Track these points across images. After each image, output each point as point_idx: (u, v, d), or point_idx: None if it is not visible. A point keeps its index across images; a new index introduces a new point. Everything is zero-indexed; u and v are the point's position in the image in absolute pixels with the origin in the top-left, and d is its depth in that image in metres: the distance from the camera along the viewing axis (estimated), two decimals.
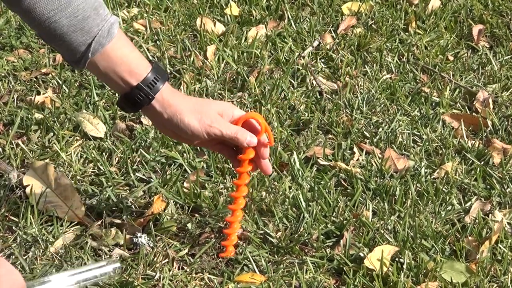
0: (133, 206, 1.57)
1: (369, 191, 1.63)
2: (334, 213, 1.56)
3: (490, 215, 1.57)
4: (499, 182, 1.67)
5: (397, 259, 1.45)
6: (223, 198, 1.58)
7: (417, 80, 2.06)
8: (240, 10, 2.36)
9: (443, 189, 1.63)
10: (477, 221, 1.54)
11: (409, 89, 2.01)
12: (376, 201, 1.61)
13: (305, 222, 1.52)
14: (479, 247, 1.47)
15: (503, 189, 1.65)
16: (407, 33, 2.28)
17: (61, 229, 1.49)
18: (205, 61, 2.07)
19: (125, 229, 1.49)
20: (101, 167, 1.66)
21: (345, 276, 1.42)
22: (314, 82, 2.02)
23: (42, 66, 2.05)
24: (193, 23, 2.28)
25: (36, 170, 1.58)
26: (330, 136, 1.82)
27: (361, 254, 1.45)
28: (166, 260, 1.44)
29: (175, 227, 1.51)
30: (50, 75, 2.01)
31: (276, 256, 1.46)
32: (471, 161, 1.74)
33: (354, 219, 1.54)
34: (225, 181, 1.64)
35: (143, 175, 1.65)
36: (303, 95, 1.97)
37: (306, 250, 1.48)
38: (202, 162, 1.69)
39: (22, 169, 1.66)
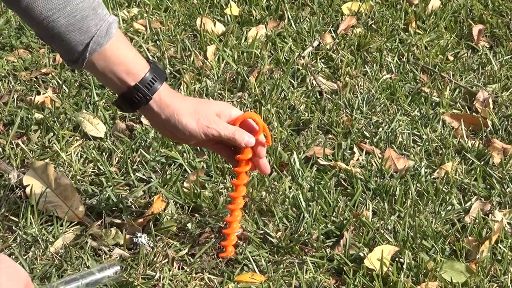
0: (133, 206, 1.57)
1: (369, 191, 1.63)
2: (334, 213, 1.56)
3: (490, 215, 1.57)
4: (499, 182, 1.67)
5: (397, 259, 1.45)
6: (223, 198, 1.58)
7: (417, 80, 2.06)
8: (240, 10, 2.36)
9: (443, 189, 1.63)
10: (477, 221, 1.54)
11: (409, 89, 2.01)
12: (376, 201, 1.61)
13: (305, 222, 1.52)
14: (479, 247, 1.47)
15: (503, 189, 1.65)
16: (407, 33, 2.28)
17: (61, 229, 1.49)
18: (205, 61, 2.07)
19: (125, 229, 1.49)
20: (101, 167, 1.66)
21: (345, 276, 1.42)
22: (314, 82, 2.02)
23: (42, 66, 2.05)
24: (193, 23, 2.28)
25: (36, 170, 1.58)
26: (330, 136, 1.82)
27: (361, 254, 1.45)
28: (166, 260, 1.44)
29: (175, 227, 1.51)
30: (50, 75, 2.01)
31: (276, 256, 1.46)
32: (471, 161, 1.74)
33: (354, 219, 1.54)
34: (225, 181, 1.64)
35: (143, 175, 1.65)
36: (303, 95, 1.97)
37: (306, 250, 1.48)
38: (202, 162, 1.69)
39: (22, 169, 1.66)
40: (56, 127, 1.78)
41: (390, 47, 2.20)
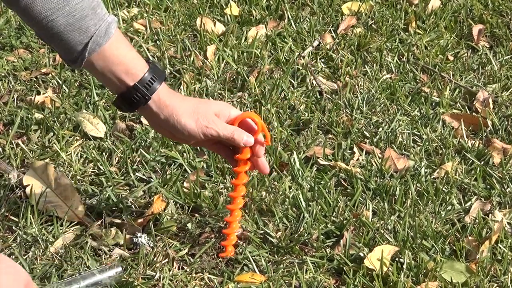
0: (133, 206, 1.57)
1: (369, 191, 1.63)
2: (334, 213, 1.56)
3: (490, 215, 1.57)
4: (499, 182, 1.67)
5: (397, 259, 1.45)
6: (223, 198, 1.58)
7: (417, 80, 2.06)
8: (240, 10, 2.36)
9: (443, 189, 1.63)
10: (477, 221, 1.54)
11: (409, 89, 2.01)
12: (376, 201, 1.61)
13: (305, 222, 1.52)
14: (479, 247, 1.47)
15: (503, 189, 1.65)
16: (407, 33, 2.28)
17: (61, 229, 1.49)
18: (205, 61, 2.07)
19: (125, 229, 1.49)
20: (101, 167, 1.66)
21: (345, 276, 1.42)
22: (314, 82, 2.02)
23: (42, 66, 2.05)
24: (193, 23, 2.28)
25: (36, 170, 1.58)
26: (330, 136, 1.82)
27: (361, 254, 1.45)
28: (166, 260, 1.44)
29: (175, 227, 1.51)
30: (50, 75, 2.01)
31: (276, 256, 1.46)
32: (471, 161, 1.74)
33: (354, 219, 1.54)
34: (225, 181, 1.64)
35: (143, 175, 1.65)
36: (303, 95, 1.97)
37: (306, 250, 1.48)
38: (202, 162, 1.69)
39: (22, 169, 1.66)
40: (56, 127, 1.78)
41: (390, 47, 2.20)
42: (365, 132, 1.83)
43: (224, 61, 2.08)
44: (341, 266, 1.44)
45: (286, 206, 1.57)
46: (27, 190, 1.55)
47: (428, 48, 2.21)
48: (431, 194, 1.61)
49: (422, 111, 1.91)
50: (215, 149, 1.38)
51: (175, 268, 1.43)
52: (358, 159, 1.74)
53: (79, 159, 1.70)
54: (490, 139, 1.81)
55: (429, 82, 2.04)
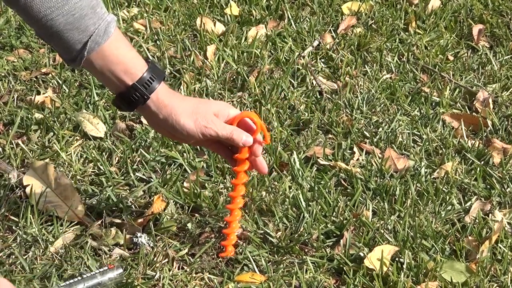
0: (133, 206, 1.57)
1: (369, 191, 1.63)
2: (334, 213, 1.56)
3: (490, 215, 1.57)
4: (499, 182, 1.67)
5: (397, 259, 1.45)
6: (223, 198, 1.58)
7: (417, 80, 2.06)
8: (240, 10, 2.36)
9: (443, 189, 1.63)
10: (477, 221, 1.54)
11: (409, 89, 2.01)
12: (376, 201, 1.61)
13: (305, 222, 1.52)
14: (479, 247, 1.47)
15: (503, 189, 1.65)
16: (407, 33, 2.28)
17: (61, 229, 1.49)
18: (205, 61, 2.07)
19: (125, 229, 1.49)
20: (101, 167, 1.66)
21: (345, 276, 1.42)
22: (314, 82, 2.02)
23: (42, 66, 2.05)
24: (193, 23, 2.28)
25: (36, 170, 1.58)
26: (330, 136, 1.82)
27: (361, 254, 1.45)
28: (166, 260, 1.44)
29: (175, 227, 1.51)
30: (50, 75, 2.01)
31: (276, 256, 1.46)
32: (471, 161, 1.74)
33: (354, 219, 1.53)
34: (225, 181, 1.64)
35: (143, 175, 1.65)
36: (303, 95, 1.97)
37: (306, 250, 1.48)
38: (202, 162, 1.69)
39: (22, 169, 1.66)
40: (56, 127, 1.78)
41: (390, 47, 2.20)
42: (365, 132, 1.83)
43: (224, 61, 2.08)
44: (341, 266, 1.44)
45: (286, 206, 1.57)
46: (27, 190, 1.55)
47: (428, 48, 2.21)
48: (431, 194, 1.61)
49: (422, 111, 1.91)
50: (214, 148, 1.38)
51: (175, 268, 1.43)
52: (358, 159, 1.74)
53: (79, 159, 1.70)
54: (490, 139, 1.81)
55: (429, 82, 2.04)
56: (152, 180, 1.63)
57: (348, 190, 1.64)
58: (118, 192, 1.60)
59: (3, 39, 2.16)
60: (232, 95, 1.96)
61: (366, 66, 2.11)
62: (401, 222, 1.53)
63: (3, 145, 1.73)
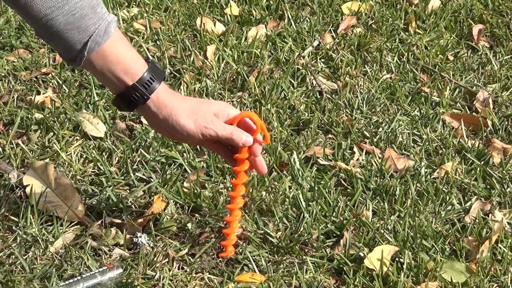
0: (133, 206, 1.57)
1: (369, 191, 1.63)
2: (334, 213, 1.56)
3: (490, 215, 1.57)
4: (499, 182, 1.67)
5: (397, 259, 1.45)
6: (223, 198, 1.58)
7: (417, 80, 2.06)
8: (240, 10, 2.36)
9: (443, 189, 1.63)
10: (477, 221, 1.54)
11: (409, 89, 2.01)
12: (376, 201, 1.61)
13: (305, 222, 1.52)
14: (479, 247, 1.47)
15: (503, 189, 1.65)
16: (407, 33, 2.28)
17: (61, 229, 1.49)
18: (205, 61, 2.07)
19: (125, 229, 1.49)
20: (101, 167, 1.66)
21: (345, 276, 1.42)
22: (314, 82, 2.02)
23: (42, 66, 2.05)
24: (193, 23, 2.28)
25: (36, 170, 1.58)
26: (330, 136, 1.82)
27: (361, 254, 1.45)
28: (166, 260, 1.44)
29: (175, 227, 1.51)
30: (50, 75, 2.01)
31: (276, 256, 1.46)
32: (471, 161, 1.74)
33: (354, 219, 1.53)
34: (225, 181, 1.64)
35: (143, 175, 1.65)
36: (303, 95, 1.97)
37: (306, 250, 1.48)
38: (202, 162, 1.69)
39: (22, 169, 1.66)
40: (56, 127, 1.78)
41: (390, 47, 2.20)
42: (365, 132, 1.83)
43: (224, 61, 2.08)
44: (341, 266, 1.44)
45: (286, 206, 1.57)
46: (27, 190, 1.55)
47: (428, 48, 2.21)
48: (431, 194, 1.61)
49: (422, 111, 1.91)
50: (214, 148, 1.38)
51: (175, 268, 1.43)
52: (358, 159, 1.74)
53: (79, 159, 1.70)
54: (490, 139, 1.81)
55: (429, 82, 2.04)
56: (152, 180, 1.63)
57: (348, 190, 1.64)
58: (118, 192, 1.60)
59: (3, 39, 2.16)
60: (232, 95, 1.96)
61: (366, 66, 2.11)
62: (401, 222, 1.53)
63: (3, 145, 1.73)
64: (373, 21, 2.33)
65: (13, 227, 1.49)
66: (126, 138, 1.76)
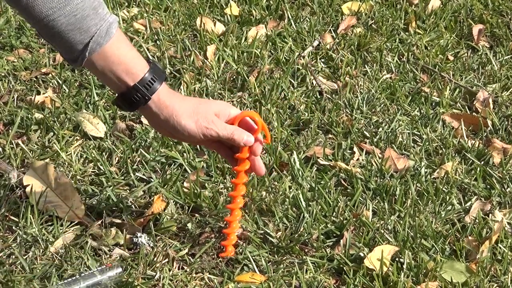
0: (133, 206, 1.57)
1: (369, 191, 1.63)
2: (334, 213, 1.56)
3: (490, 215, 1.57)
4: (499, 182, 1.67)
5: (397, 259, 1.45)
6: (223, 198, 1.58)
7: (417, 80, 2.06)
8: (240, 10, 2.36)
9: (443, 189, 1.63)
10: (477, 221, 1.54)
11: (409, 89, 2.01)
12: (376, 201, 1.61)
13: (305, 222, 1.52)
14: (479, 247, 1.47)
15: (503, 189, 1.65)
16: (407, 33, 2.28)
17: (61, 229, 1.49)
18: (205, 61, 2.07)
19: (125, 229, 1.49)
20: (101, 167, 1.66)
21: (345, 276, 1.42)
22: (314, 82, 2.02)
23: (42, 66, 2.05)
24: (193, 23, 2.28)
25: (36, 170, 1.58)
26: (330, 136, 1.82)
27: (361, 254, 1.45)
28: (166, 260, 1.44)
29: (175, 227, 1.51)
30: (50, 75, 2.01)
31: (276, 256, 1.46)
32: (471, 161, 1.74)
33: (354, 219, 1.54)
34: (225, 181, 1.64)
35: (143, 175, 1.65)
36: (303, 95, 1.97)
37: (306, 250, 1.48)
38: (202, 162, 1.69)
39: (22, 169, 1.66)
40: (56, 127, 1.78)
41: (390, 47, 2.20)
42: (365, 132, 1.83)
43: (224, 61, 2.08)
44: (341, 266, 1.44)
45: (286, 206, 1.57)
46: (27, 190, 1.55)
47: (428, 48, 2.21)
48: (431, 194, 1.61)
49: (422, 111, 1.91)
50: (215, 148, 1.38)
51: (175, 268, 1.43)
52: (358, 159, 1.74)
53: (79, 159, 1.70)
54: (490, 139, 1.81)
55: (429, 82, 2.04)
56: (152, 180, 1.63)
57: (348, 190, 1.64)
58: (118, 192, 1.60)
59: (3, 39, 2.16)
60: (232, 95, 1.96)
61: (366, 66, 2.11)
62: (401, 222, 1.53)
63: (3, 145, 1.73)
64: (373, 21, 2.33)
65: (13, 227, 1.49)
66: (126, 138, 1.76)
